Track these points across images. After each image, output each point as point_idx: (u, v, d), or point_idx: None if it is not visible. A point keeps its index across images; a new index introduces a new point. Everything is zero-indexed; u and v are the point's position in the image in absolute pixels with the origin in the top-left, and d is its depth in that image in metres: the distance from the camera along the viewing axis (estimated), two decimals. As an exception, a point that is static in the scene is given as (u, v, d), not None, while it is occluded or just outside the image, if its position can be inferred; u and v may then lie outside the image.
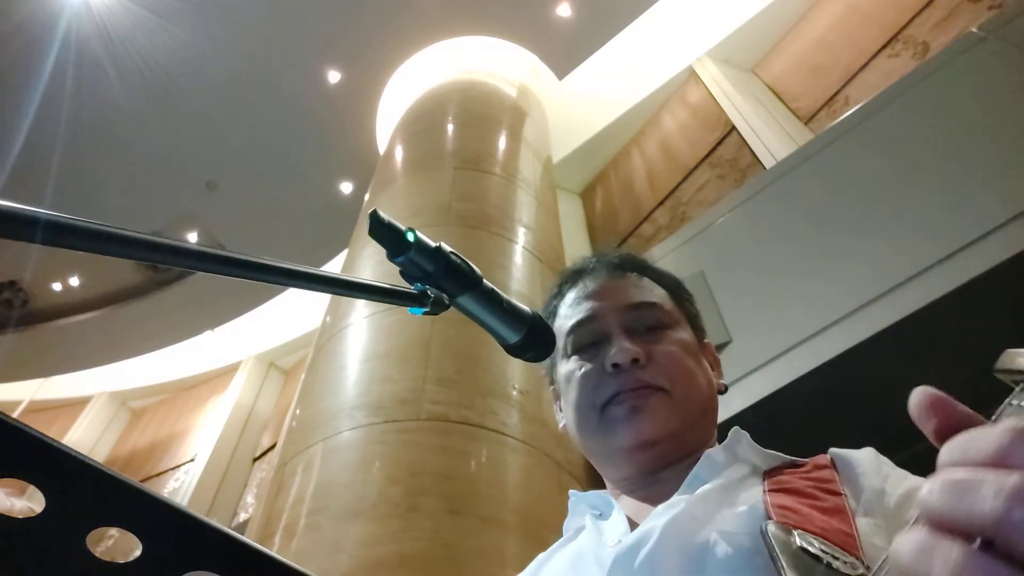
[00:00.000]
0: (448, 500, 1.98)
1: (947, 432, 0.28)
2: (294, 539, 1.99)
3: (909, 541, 0.25)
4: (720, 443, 0.69)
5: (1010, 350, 0.30)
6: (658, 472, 0.71)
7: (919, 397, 0.30)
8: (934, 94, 2.41)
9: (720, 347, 2.30)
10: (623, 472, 0.73)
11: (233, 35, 4.87)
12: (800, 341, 2.13)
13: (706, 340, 0.81)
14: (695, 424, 0.72)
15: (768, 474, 0.63)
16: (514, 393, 2.42)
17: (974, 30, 2.46)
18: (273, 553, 0.35)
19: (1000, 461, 0.24)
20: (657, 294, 0.79)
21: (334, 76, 5.18)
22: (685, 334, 0.77)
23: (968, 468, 0.25)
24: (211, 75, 5.07)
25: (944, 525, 0.24)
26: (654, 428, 0.68)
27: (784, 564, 0.44)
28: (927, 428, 0.29)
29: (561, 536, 0.73)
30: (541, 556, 0.72)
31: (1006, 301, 1.87)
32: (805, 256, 2.36)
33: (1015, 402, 0.28)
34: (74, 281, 6.71)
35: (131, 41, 4.80)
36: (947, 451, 0.26)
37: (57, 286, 6.72)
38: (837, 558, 0.45)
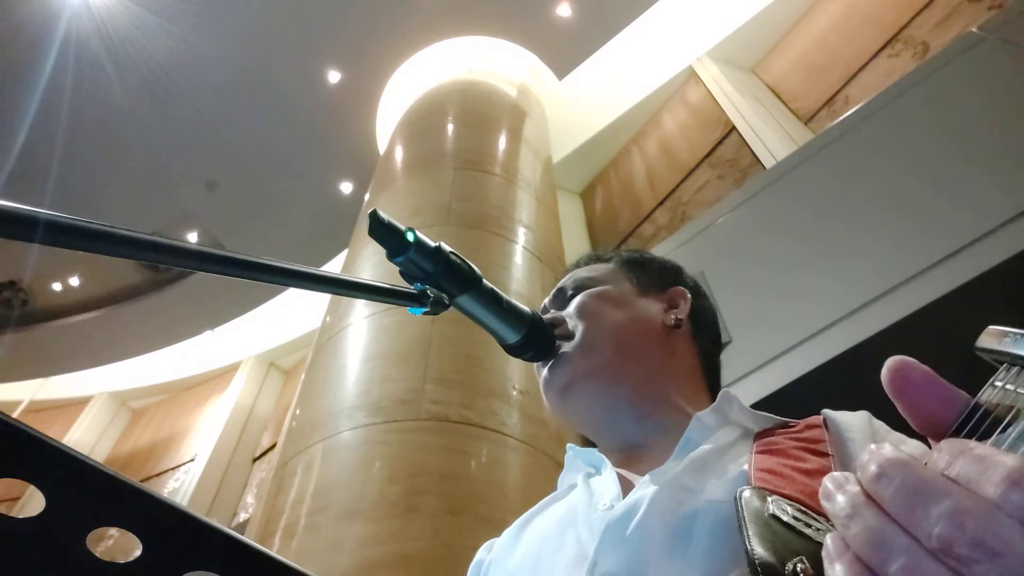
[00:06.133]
0: (448, 500, 1.98)
1: (919, 413, 0.29)
2: (294, 539, 1.99)
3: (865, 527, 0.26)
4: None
5: (992, 327, 0.29)
6: (626, 433, 0.72)
7: (891, 369, 0.29)
8: (934, 94, 2.41)
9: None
10: (585, 432, 0.75)
11: (233, 35, 4.87)
12: (800, 341, 2.13)
13: (675, 287, 0.84)
14: (617, 362, 0.73)
15: (759, 436, 0.62)
16: (514, 393, 2.41)
17: (974, 30, 2.46)
18: (273, 553, 0.35)
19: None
20: (584, 272, 0.84)
21: (334, 76, 5.18)
22: (609, 286, 0.80)
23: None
24: (211, 75, 5.07)
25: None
26: (561, 372, 0.73)
27: (751, 533, 0.43)
28: (900, 404, 0.29)
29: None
30: (532, 510, 0.72)
31: (1009, 299, 1.87)
32: (805, 256, 2.35)
33: (998, 383, 0.28)
34: (74, 281, 6.71)
35: (131, 41, 4.80)
36: (944, 453, 0.26)
37: (57, 286, 6.72)
38: (810, 525, 0.44)
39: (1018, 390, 0.27)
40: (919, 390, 0.29)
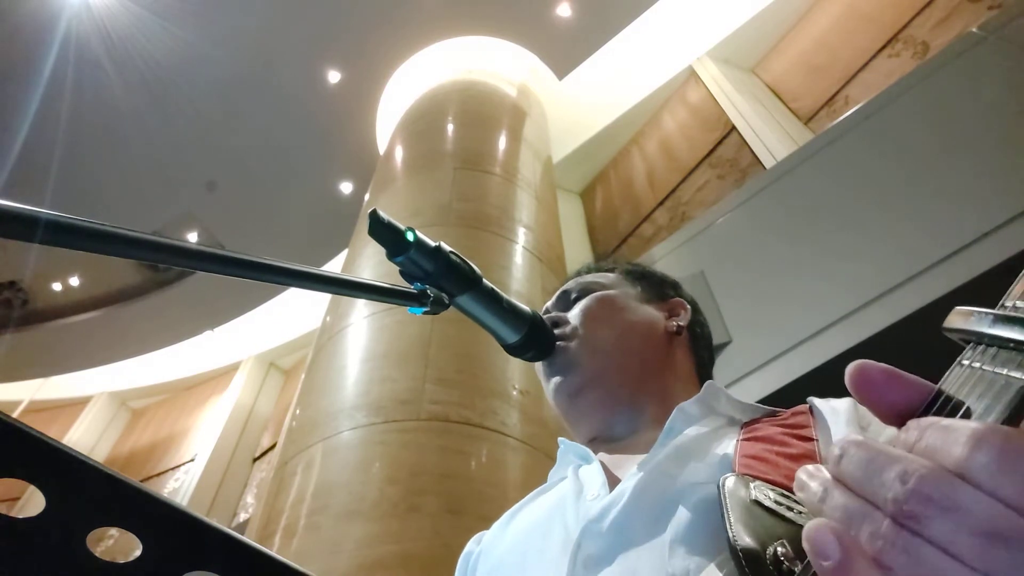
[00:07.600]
0: (448, 500, 1.98)
1: (886, 408, 0.29)
2: (294, 539, 1.99)
3: (837, 507, 0.26)
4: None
5: (959, 307, 0.30)
6: (624, 428, 0.73)
7: (851, 373, 0.30)
8: (934, 94, 2.41)
9: (720, 347, 2.30)
10: (584, 432, 0.76)
11: (233, 35, 4.87)
12: (800, 341, 2.13)
13: (675, 299, 0.86)
14: (621, 364, 0.74)
15: (746, 425, 0.63)
16: (514, 393, 2.42)
17: (974, 30, 2.46)
18: (273, 553, 0.35)
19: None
20: (589, 278, 0.86)
21: (334, 76, 5.18)
22: (613, 291, 0.82)
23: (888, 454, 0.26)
24: (211, 75, 5.07)
25: (856, 492, 0.26)
26: (568, 376, 0.74)
27: (733, 519, 0.44)
28: (866, 403, 0.30)
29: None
30: (520, 502, 0.73)
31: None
32: (805, 256, 2.36)
33: (965, 362, 0.28)
34: (74, 281, 6.71)
35: (131, 41, 4.80)
36: (909, 431, 0.27)
37: (57, 286, 6.72)
38: (792, 508, 0.44)
39: (983, 368, 0.27)
40: (880, 386, 0.30)
